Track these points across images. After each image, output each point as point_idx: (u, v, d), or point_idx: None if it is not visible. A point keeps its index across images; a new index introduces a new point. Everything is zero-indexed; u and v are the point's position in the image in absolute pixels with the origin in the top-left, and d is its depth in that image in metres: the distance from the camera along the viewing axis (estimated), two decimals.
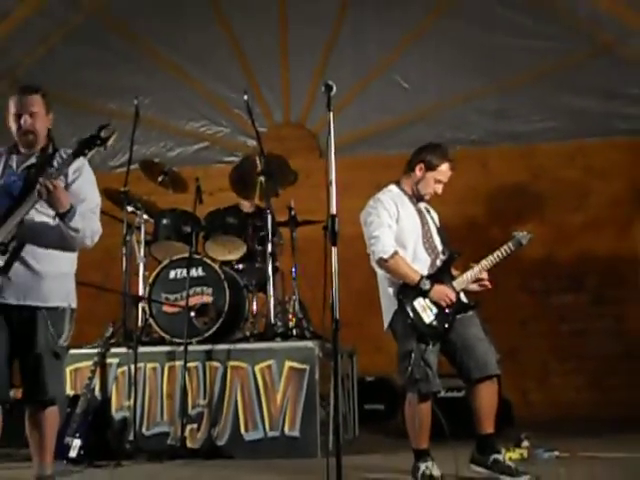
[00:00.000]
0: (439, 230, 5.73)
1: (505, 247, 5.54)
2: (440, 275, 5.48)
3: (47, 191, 4.50)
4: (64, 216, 4.63)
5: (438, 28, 10.29)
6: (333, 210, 4.39)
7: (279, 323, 7.58)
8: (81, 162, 4.73)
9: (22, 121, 4.80)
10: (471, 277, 5.51)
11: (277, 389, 6.83)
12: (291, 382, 6.80)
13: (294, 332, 7.56)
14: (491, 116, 10.23)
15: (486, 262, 5.50)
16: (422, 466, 5.30)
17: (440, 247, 5.62)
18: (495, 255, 5.51)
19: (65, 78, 10.78)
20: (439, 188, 5.64)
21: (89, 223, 4.78)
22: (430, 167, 5.58)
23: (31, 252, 4.68)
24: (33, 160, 4.84)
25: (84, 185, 4.83)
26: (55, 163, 4.72)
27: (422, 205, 5.72)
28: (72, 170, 4.73)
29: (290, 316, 7.82)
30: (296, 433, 6.73)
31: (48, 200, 4.55)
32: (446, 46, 10.35)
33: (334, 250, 4.34)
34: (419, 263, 5.49)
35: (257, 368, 6.89)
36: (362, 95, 10.34)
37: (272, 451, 6.69)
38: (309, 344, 6.95)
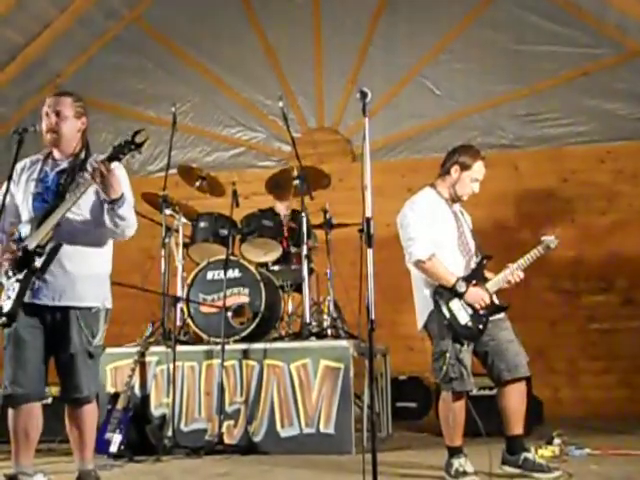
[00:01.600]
0: (472, 233, 5.78)
1: (535, 251, 5.60)
2: (474, 277, 5.53)
3: (101, 174, 4.53)
4: (114, 202, 4.65)
5: (468, 35, 10.46)
6: (368, 213, 4.46)
7: (314, 323, 7.68)
8: (115, 164, 4.68)
9: (46, 119, 4.88)
10: (503, 279, 5.57)
11: (312, 387, 6.91)
12: (326, 380, 6.89)
13: (329, 332, 7.62)
14: (521, 120, 10.33)
15: (517, 265, 5.56)
16: (456, 462, 5.36)
17: (474, 249, 5.68)
18: (525, 258, 5.56)
19: (105, 86, 11.08)
20: (476, 187, 5.69)
21: (131, 213, 4.84)
22: (465, 167, 5.62)
23: (66, 254, 4.72)
24: (65, 165, 4.91)
25: (121, 180, 4.77)
26: (89, 167, 4.74)
27: (457, 207, 5.77)
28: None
29: (325, 316, 7.92)
30: (331, 430, 6.81)
31: (102, 183, 4.57)
32: (476, 52, 10.48)
33: (370, 252, 4.41)
34: (454, 265, 5.53)
35: (293, 366, 6.98)
36: (394, 101, 10.49)
37: (307, 447, 6.78)
38: (344, 343, 7.04)
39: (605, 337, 9.70)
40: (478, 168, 5.67)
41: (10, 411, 4.85)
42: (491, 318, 5.50)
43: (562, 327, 9.79)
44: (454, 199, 5.73)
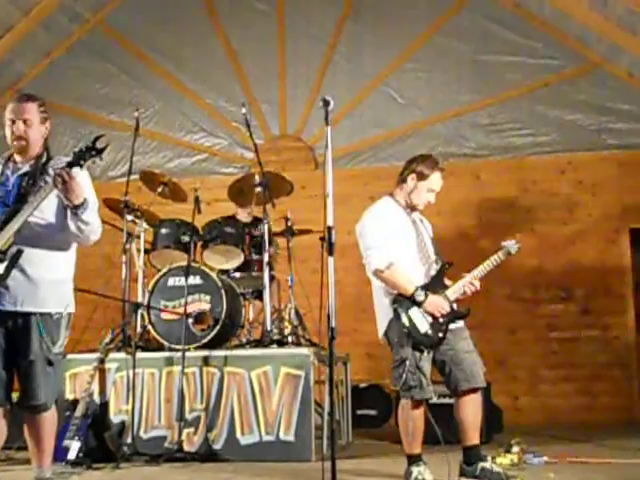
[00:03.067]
0: (432, 240, 5.79)
1: (495, 257, 5.61)
2: (434, 285, 5.54)
3: (63, 181, 4.51)
4: (78, 208, 4.63)
5: (432, 44, 10.54)
6: (330, 221, 4.47)
7: (275, 330, 7.68)
8: (77, 169, 4.65)
9: (15, 127, 4.83)
10: (463, 286, 5.58)
11: (273, 394, 6.90)
12: (286, 388, 6.88)
13: (290, 339, 7.62)
14: (483, 130, 10.42)
15: (477, 272, 5.57)
16: (415, 470, 5.37)
17: (433, 257, 5.68)
18: (486, 264, 5.58)
19: (68, 90, 11.03)
20: (432, 197, 5.69)
21: (95, 217, 4.81)
22: (422, 177, 5.62)
23: (28, 258, 4.67)
24: (27, 168, 4.86)
25: (83, 185, 4.74)
26: (50, 170, 4.72)
27: (416, 216, 5.78)
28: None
29: (286, 324, 7.92)
30: (291, 437, 6.81)
31: (64, 190, 4.55)
32: (440, 62, 10.55)
33: (331, 260, 4.42)
34: (414, 273, 5.55)
35: (253, 374, 6.97)
36: (357, 109, 10.55)
37: (267, 455, 6.77)
38: (304, 351, 7.04)
39: (565, 346, 9.79)
40: (435, 179, 5.68)
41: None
42: (451, 327, 5.52)
43: (522, 335, 9.87)
44: (411, 207, 5.73)
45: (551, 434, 7.98)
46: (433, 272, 5.62)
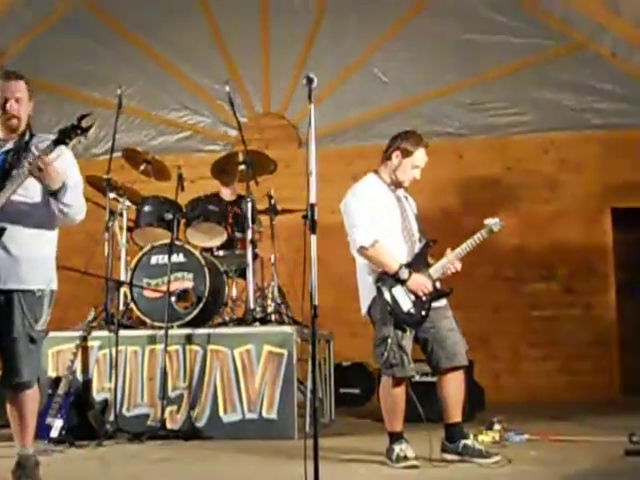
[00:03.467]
0: (416, 218, 5.80)
1: (478, 235, 5.61)
2: (417, 263, 5.56)
3: (39, 169, 4.50)
4: (57, 192, 4.61)
5: (417, 23, 10.49)
6: (313, 199, 4.44)
7: (258, 308, 7.69)
8: (62, 148, 4.64)
9: (8, 106, 4.79)
10: (446, 265, 5.59)
11: (255, 372, 6.93)
12: (269, 366, 6.91)
13: (273, 317, 7.66)
14: (466, 109, 10.42)
15: (460, 250, 5.58)
16: (396, 448, 5.41)
17: (417, 234, 5.70)
18: (468, 243, 5.58)
19: (50, 67, 10.93)
20: (417, 173, 5.70)
21: (78, 199, 4.79)
22: (406, 153, 5.64)
23: (10, 236, 4.65)
24: (10, 145, 4.83)
25: (65, 165, 4.76)
26: (33, 148, 4.70)
27: (400, 193, 5.78)
28: (53, 153, 4.63)
29: (269, 302, 7.95)
30: (274, 415, 6.85)
31: (40, 177, 4.55)
32: (424, 41, 10.51)
33: (313, 238, 4.40)
34: (397, 250, 5.56)
35: (236, 352, 6.99)
36: (341, 88, 10.50)
37: (250, 433, 6.81)
38: (287, 329, 7.07)
39: (546, 324, 9.84)
40: (420, 155, 5.70)
41: None
42: (434, 305, 5.54)
43: (504, 314, 9.92)
44: (396, 184, 5.74)
45: (532, 412, 8.00)
46: (416, 250, 5.64)
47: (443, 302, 5.65)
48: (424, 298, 5.49)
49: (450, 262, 5.60)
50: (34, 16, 11.05)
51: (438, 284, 5.62)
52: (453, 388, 5.57)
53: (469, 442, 5.51)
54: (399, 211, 5.69)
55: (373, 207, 5.56)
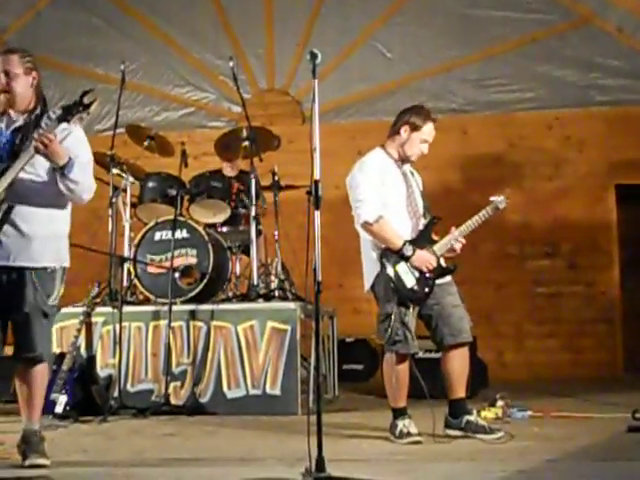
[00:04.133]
0: (422, 194, 5.78)
1: (483, 212, 5.59)
2: (421, 239, 5.55)
3: (44, 145, 4.48)
4: (63, 168, 4.59)
5: None
6: (317, 175, 4.43)
7: (261, 284, 7.70)
8: (73, 125, 4.64)
9: None
10: (450, 242, 5.58)
11: (259, 348, 6.96)
12: (273, 342, 6.93)
13: (276, 293, 7.67)
14: (471, 85, 10.39)
15: (465, 227, 5.56)
16: (400, 424, 5.42)
17: (422, 211, 5.69)
18: (474, 220, 5.57)
19: (53, 43, 10.89)
20: (425, 148, 5.68)
21: (86, 176, 4.77)
22: (415, 128, 5.61)
23: (20, 214, 4.66)
24: (21, 122, 4.80)
25: (74, 142, 4.75)
26: (43, 124, 4.66)
27: (407, 168, 5.76)
28: (60, 130, 4.64)
29: (272, 278, 7.96)
30: (277, 391, 6.88)
31: (46, 154, 4.53)
32: (428, 16, 10.45)
33: (317, 214, 4.39)
34: (402, 226, 5.55)
35: (240, 328, 7.02)
36: (345, 63, 10.46)
37: (254, 408, 6.84)
38: (291, 305, 7.09)
39: (550, 301, 9.85)
40: (428, 130, 5.67)
41: None
42: (438, 282, 5.53)
43: (508, 291, 9.93)
44: (403, 159, 5.71)
45: (535, 389, 8.03)
46: (421, 226, 5.63)
47: (448, 278, 5.63)
48: (428, 275, 5.48)
49: (455, 239, 5.60)
50: None
51: (442, 261, 5.61)
52: (457, 364, 5.57)
53: (472, 418, 5.50)
54: (405, 187, 5.67)
55: (379, 182, 5.54)
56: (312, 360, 6.76)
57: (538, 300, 9.88)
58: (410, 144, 5.66)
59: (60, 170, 4.62)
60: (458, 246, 5.63)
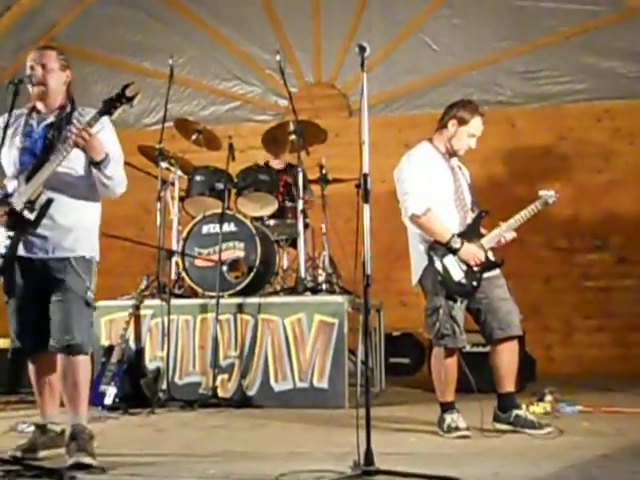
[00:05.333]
0: (470, 188, 5.77)
1: (532, 206, 5.59)
2: (469, 233, 5.54)
3: (83, 139, 4.56)
4: (100, 163, 4.67)
5: None
6: (366, 169, 4.43)
7: (309, 278, 7.71)
8: (104, 118, 4.72)
9: (34, 73, 4.83)
10: (499, 235, 5.58)
11: (307, 342, 6.97)
12: (320, 335, 6.94)
13: (324, 287, 7.67)
14: (519, 77, 10.28)
15: (513, 221, 5.56)
16: (448, 418, 5.42)
17: (469, 204, 5.67)
18: (522, 214, 5.56)
19: (101, 38, 11.00)
20: (473, 142, 5.67)
21: (120, 171, 4.86)
22: (463, 122, 5.61)
23: (57, 207, 4.72)
24: (52, 119, 4.88)
25: (107, 139, 4.83)
26: (74, 120, 4.79)
27: (454, 162, 5.75)
28: (96, 126, 4.69)
29: (320, 271, 7.97)
30: (324, 385, 6.89)
31: (85, 148, 4.60)
32: (475, 8, 10.38)
33: (366, 207, 4.39)
34: (450, 220, 5.54)
35: (287, 321, 7.04)
36: (392, 56, 10.41)
37: (301, 401, 6.86)
38: (339, 299, 7.09)
39: (599, 295, 9.74)
40: (476, 124, 5.66)
41: (29, 364, 4.96)
42: (485, 275, 5.51)
43: (557, 285, 9.83)
44: (450, 153, 5.71)
45: (585, 384, 7.97)
46: (469, 220, 5.61)
47: (496, 271, 5.61)
48: (476, 268, 5.47)
49: (503, 233, 5.57)
50: None
51: (490, 254, 5.59)
52: (507, 358, 5.55)
53: (521, 412, 5.49)
54: (452, 180, 5.65)
55: (427, 175, 5.53)
56: (359, 353, 6.76)
57: (587, 294, 9.77)
58: (458, 138, 5.66)
59: (97, 165, 4.70)
60: (509, 237, 5.60)
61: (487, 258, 5.54)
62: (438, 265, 5.44)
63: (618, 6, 9.99)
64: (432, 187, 5.52)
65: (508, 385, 5.56)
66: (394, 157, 5.77)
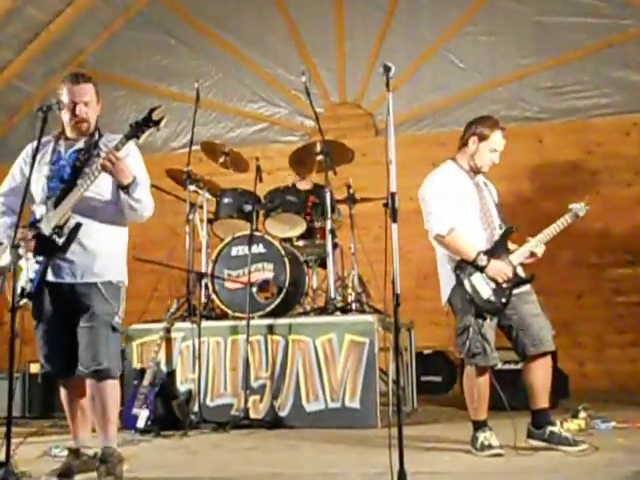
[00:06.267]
0: (496, 204, 5.74)
1: (562, 220, 5.56)
2: (497, 250, 5.50)
3: (111, 163, 4.60)
4: (128, 187, 4.72)
5: (492, 7, 10.38)
6: (393, 188, 4.44)
7: (338, 297, 7.71)
8: (130, 143, 4.77)
9: (77, 110, 4.89)
10: (528, 251, 5.55)
11: (338, 362, 6.96)
12: (351, 355, 6.93)
13: (354, 306, 7.64)
14: (545, 93, 10.25)
15: (543, 235, 5.52)
16: (481, 436, 5.39)
17: (497, 221, 5.64)
18: (552, 228, 5.53)
19: (128, 63, 11.13)
20: (496, 157, 5.65)
21: (147, 195, 4.90)
22: (483, 137, 5.59)
23: (85, 232, 4.77)
24: (81, 145, 4.94)
25: (133, 163, 4.88)
26: (102, 146, 4.85)
27: (480, 179, 5.73)
28: (122, 151, 4.76)
29: (349, 291, 7.93)
30: (356, 404, 6.86)
31: (112, 172, 4.64)
32: (500, 24, 10.39)
33: (394, 227, 4.39)
34: (476, 237, 5.51)
35: (318, 341, 7.03)
36: (417, 74, 10.43)
37: (333, 422, 6.84)
38: (369, 318, 7.07)
39: (631, 310, 9.66)
40: (496, 138, 5.63)
41: (61, 389, 5.01)
42: (515, 291, 5.48)
43: (588, 300, 9.76)
44: (475, 171, 5.69)
45: (618, 400, 7.90)
46: (496, 237, 5.57)
47: (526, 287, 5.56)
48: (504, 285, 5.43)
49: (533, 247, 5.54)
50: (111, 12, 11.22)
51: (520, 270, 5.55)
52: (540, 374, 5.50)
53: (555, 429, 5.44)
54: (478, 198, 5.63)
55: (451, 194, 5.51)
56: (390, 372, 6.74)
57: (619, 309, 9.69)
58: (480, 155, 5.64)
59: (125, 189, 4.75)
60: (540, 251, 5.57)
61: (516, 274, 5.50)
62: (466, 284, 5.41)
63: None
64: (456, 206, 5.50)
65: (542, 401, 5.51)
66: (421, 175, 5.75)
